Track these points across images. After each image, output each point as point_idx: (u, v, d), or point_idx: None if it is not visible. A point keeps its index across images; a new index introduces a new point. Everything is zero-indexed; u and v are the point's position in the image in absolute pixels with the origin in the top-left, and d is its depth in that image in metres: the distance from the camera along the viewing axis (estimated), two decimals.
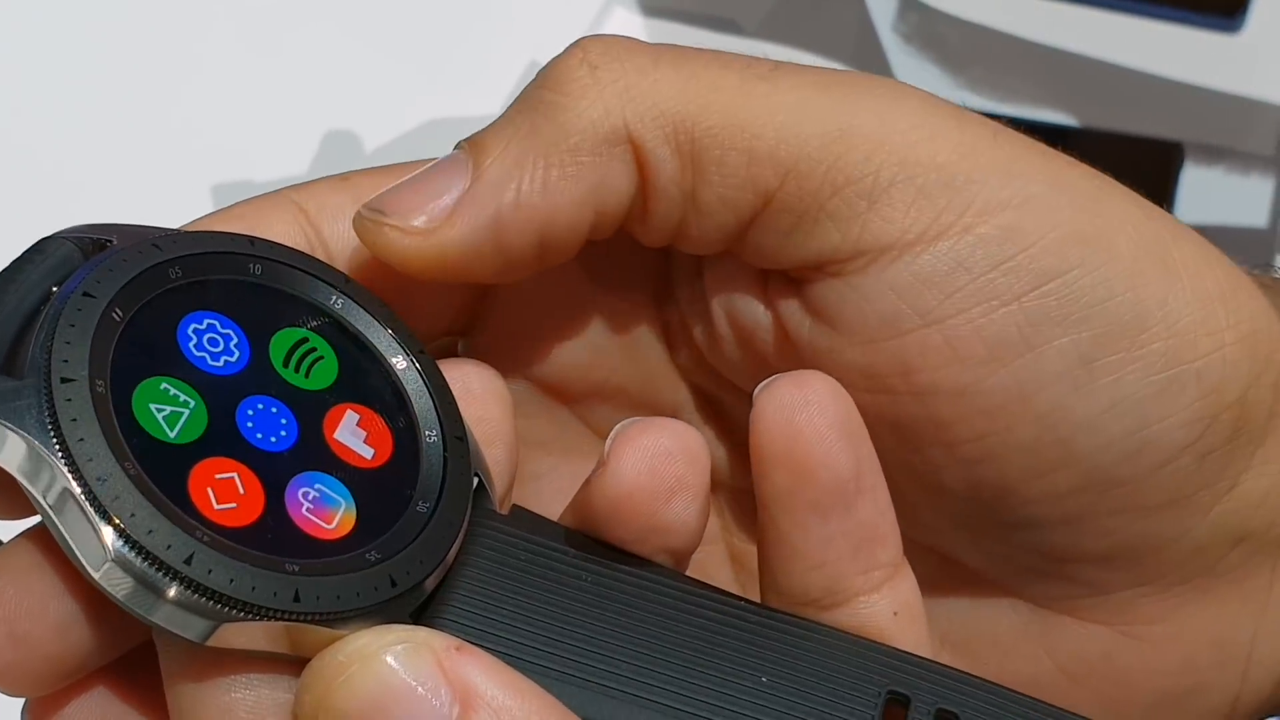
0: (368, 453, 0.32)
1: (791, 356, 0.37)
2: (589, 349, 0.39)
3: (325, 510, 0.31)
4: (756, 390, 0.33)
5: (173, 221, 0.35)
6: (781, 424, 0.33)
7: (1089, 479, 0.36)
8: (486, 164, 0.34)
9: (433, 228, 0.34)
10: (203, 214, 0.36)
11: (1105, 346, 0.35)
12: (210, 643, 0.30)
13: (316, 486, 0.31)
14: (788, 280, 0.36)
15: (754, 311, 0.37)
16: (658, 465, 0.33)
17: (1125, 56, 0.75)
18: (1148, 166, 0.75)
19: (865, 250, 0.35)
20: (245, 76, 0.70)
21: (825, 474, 0.33)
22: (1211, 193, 0.75)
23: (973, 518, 0.37)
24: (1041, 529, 0.37)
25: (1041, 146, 0.36)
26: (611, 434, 0.33)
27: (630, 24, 0.74)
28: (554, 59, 0.35)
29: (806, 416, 0.33)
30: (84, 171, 0.66)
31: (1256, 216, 0.75)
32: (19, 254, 0.32)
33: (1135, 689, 0.38)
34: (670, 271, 0.39)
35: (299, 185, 0.36)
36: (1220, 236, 0.38)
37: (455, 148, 0.35)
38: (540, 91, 0.35)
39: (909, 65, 0.77)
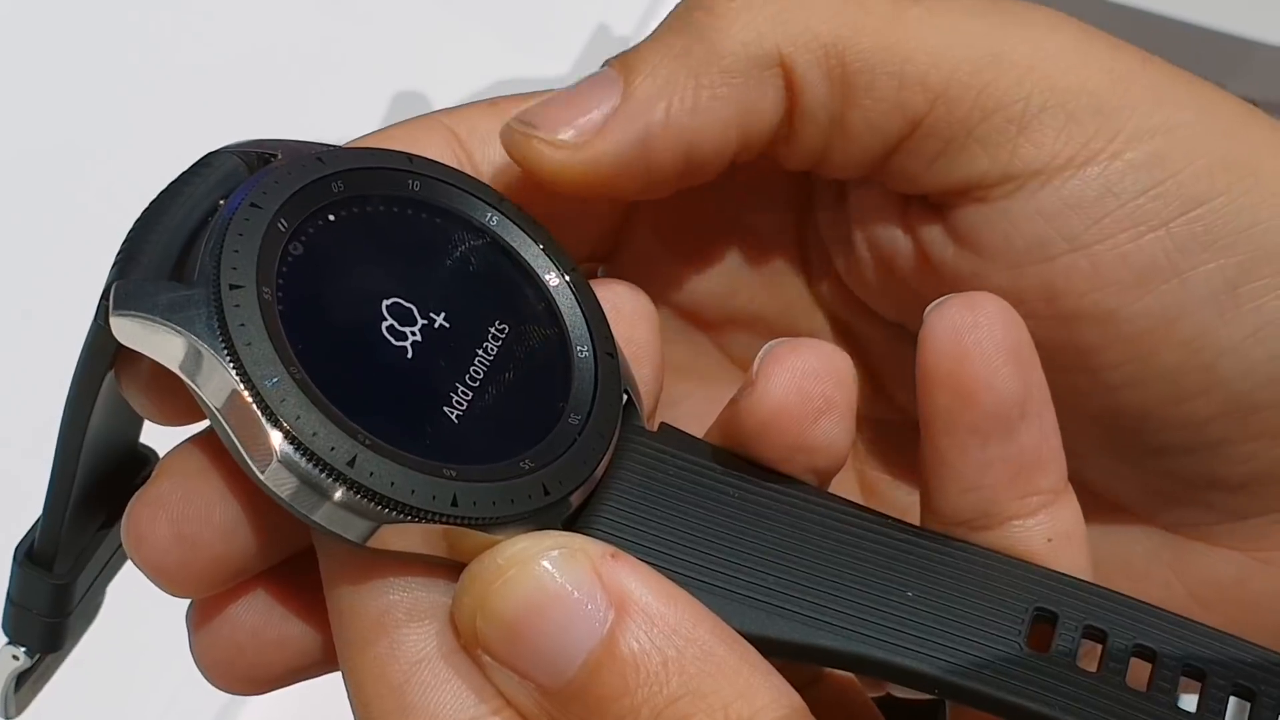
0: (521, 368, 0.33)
1: (934, 282, 0.37)
2: (728, 276, 0.39)
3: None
4: (928, 309, 0.34)
5: None
6: (949, 345, 0.33)
7: (1230, 405, 0.36)
8: (637, 82, 0.35)
9: (581, 142, 0.35)
10: None
11: (1250, 272, 0.35)
12: (370, 543, 0.30)
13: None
14: (930, 206, 0.37)
15: (895, 238, 0.38)
16: (806, 385, 0.33)
17: (1189, 12, 0.75)
18: None
19: (1014, 176, 0.35)
20: (316, 39, 0.71)
21: (988, 397, 0.33)
22: None
23: (1112, 444, 0.37)
24: (1180, 455, 0.37)
25: (1189, 75, 0.36)
26: (760, 354, 0.34)
27: None
28: None
29: (975, 339, 0.33)
30: (161, 137, 0.67)
31: None
32: (186, 167, 0.33)
33: (1266, 614, 0.38)
34: (812, 198, 0.39)
35: (451, 109, 0.37)
36: None
37: (604, 65, 0.36)
38: (692, 13, 0.35)
39: None
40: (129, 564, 0.38)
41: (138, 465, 0.37)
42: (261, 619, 0.34)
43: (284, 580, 0.34)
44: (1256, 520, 0.38)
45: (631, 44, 0.36)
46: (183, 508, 0.32)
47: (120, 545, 0.38)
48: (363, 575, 0.31)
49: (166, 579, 0.32)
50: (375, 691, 0.31)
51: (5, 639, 0.38)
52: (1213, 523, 0.38)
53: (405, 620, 0.31)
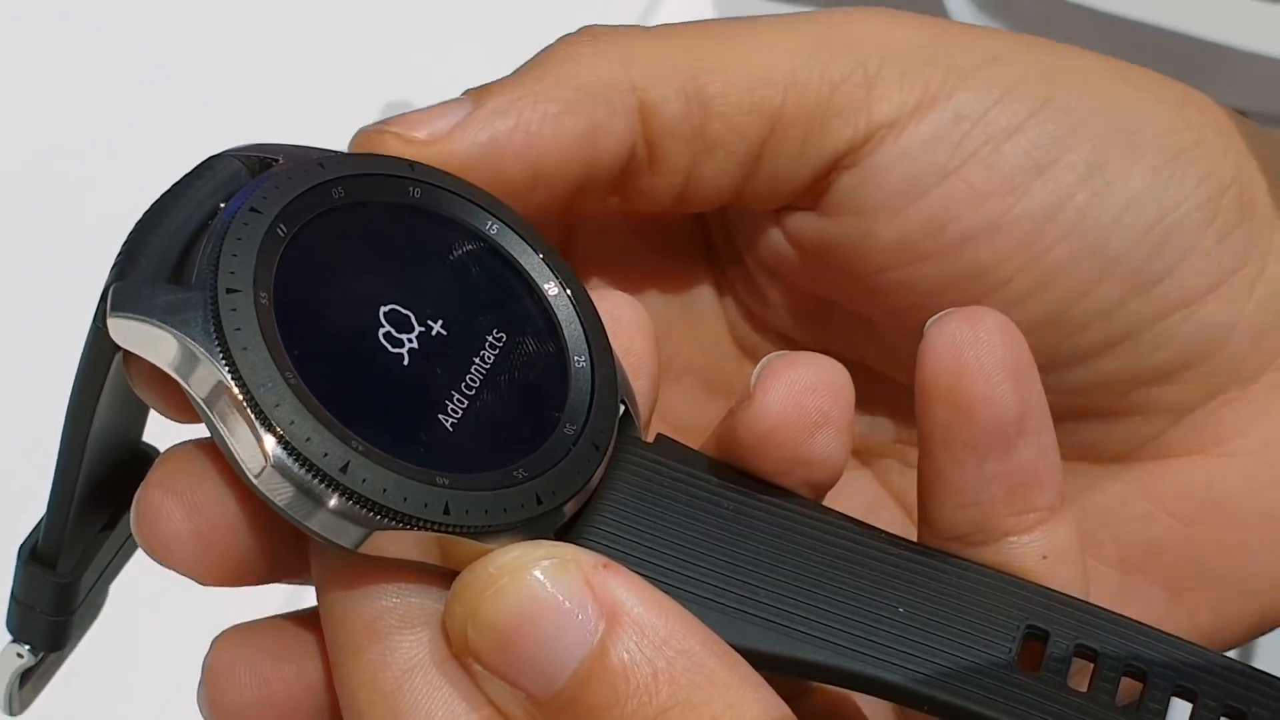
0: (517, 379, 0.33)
1: (834, 277, 0.39)
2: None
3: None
4: (928, 324, 0.34)
5: None
6: (948, 360, 0.33)
7: (1130, 283, 0.38)
8: (488, 100, 0.36)
9: (430, 139, 0.35)
10: None
11: (1106, 153, 0.38)
12: (362, 550, 0.30)
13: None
14: (802, 206, 0.39)
15: (783, 250, 0.40)
16: (803, 399, 0.33)
17: (1197, 27, 0.75)
18: None
19: (873, 133, 0.38)
20: (309, 47, 0.71)
21: (986, 413, 0.33)
22: None
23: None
24: (1100, 357, 0.38)
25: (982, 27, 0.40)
26: (758, 368, 0.34)
27: (697, 2, 0.75)
28: (560, 38, 0.38)
29: (974, 354, 0.33)
30: (160, 152, 0.67)
31: None
32: (188, 171, 0.33)
33: (1247, 514, 0.39)
34: (713, 251, 0.41)
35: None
36: None
37: (462, 94, 0.37)
38: (543, 59, 0.37)
39: None
40: (131, 562, 0.39)
41: (141, 464, 0.37)
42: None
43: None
44: (1199, 414, 0.39)
45: None
46: (191, 491, 0.32)
47: (124, 543, 0.38)
48: (355, 581, 0.31)
49: (179, 560, 0.32)
50: (367, 698, 0.31)
51: (9, 636, 0.38)
52: (1160, 432, 0.39)
53: (398, 627, 0.31)
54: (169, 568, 0.32)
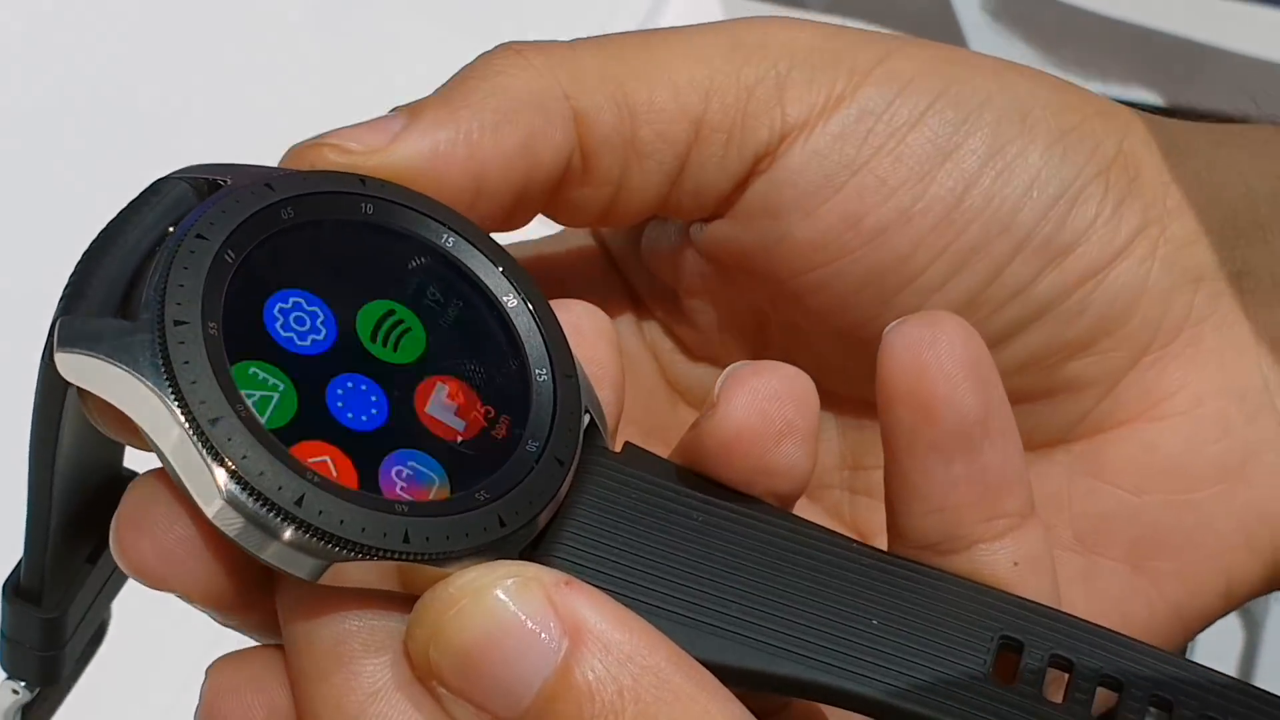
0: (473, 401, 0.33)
1: (756, 282, 0.40)
2: None
3: (419, 487, 0.31)
4: (887, 329, 0.34)
5: None
6: (908, 361, 0.33)
7: (1041, 256, 0.38)
8: (425, 113, 0.36)
9: (370, 150, 0.35)
10: None
11: (1004, 135, 0.39)
12: (322, 580, 0.30)
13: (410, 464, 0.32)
14: (717, 218, 0.39)
15: (700, 265, 0.40)
16: (767, 408, 0.33)
17: (1215, 35, 0.75)
18: None
19: (787, 133, 0.38)
20: (305, 52, 0.71)
21: (950, 413, 0.33)
22: None
23: None
24: (1022, 333, 0.39)
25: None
26: (722, 376, 0.33)
27: (702, 5, 0.75)
28: (481, 55, 0.38)
29: (934, 354, 0.33)
30: (157, 144, 0.68)
31: None
32: (136, 195, 0.33)
33: (1193, 474, 0.39)
34: (633, 290, 0.42)
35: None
36: None
37: (390, 111, 0.36)
38: (470, 74, 0.37)
39: (996, 44, 0.77)
40: (124, 590, 0.38)
41: (123, 490, 0.37)
42: None
43: None
44: (1127, 381, 0.39)
45: None
46: (160, 520, 0.31)
47: (112, 572, 0.38)
48: (317, 609, 0.31)
49: (166, 584, 0.32)
50: None
51: (4, 674, 0.38)
52: (1091, 407, 0.40)
53: (361, 652, 0.31)
54: (156, 589, 0.32)
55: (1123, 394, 0.40)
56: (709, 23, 0.40)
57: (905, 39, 0.40)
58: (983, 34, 0.77)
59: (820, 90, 0.38)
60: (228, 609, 0.32)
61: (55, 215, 0.63)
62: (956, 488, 0.33)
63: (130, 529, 0.31)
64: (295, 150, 0.35)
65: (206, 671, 0.33)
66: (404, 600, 0.31)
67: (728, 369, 0.34)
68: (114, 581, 0.38)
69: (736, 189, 0.39)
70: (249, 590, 0.32)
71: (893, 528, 0.34)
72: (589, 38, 0.39)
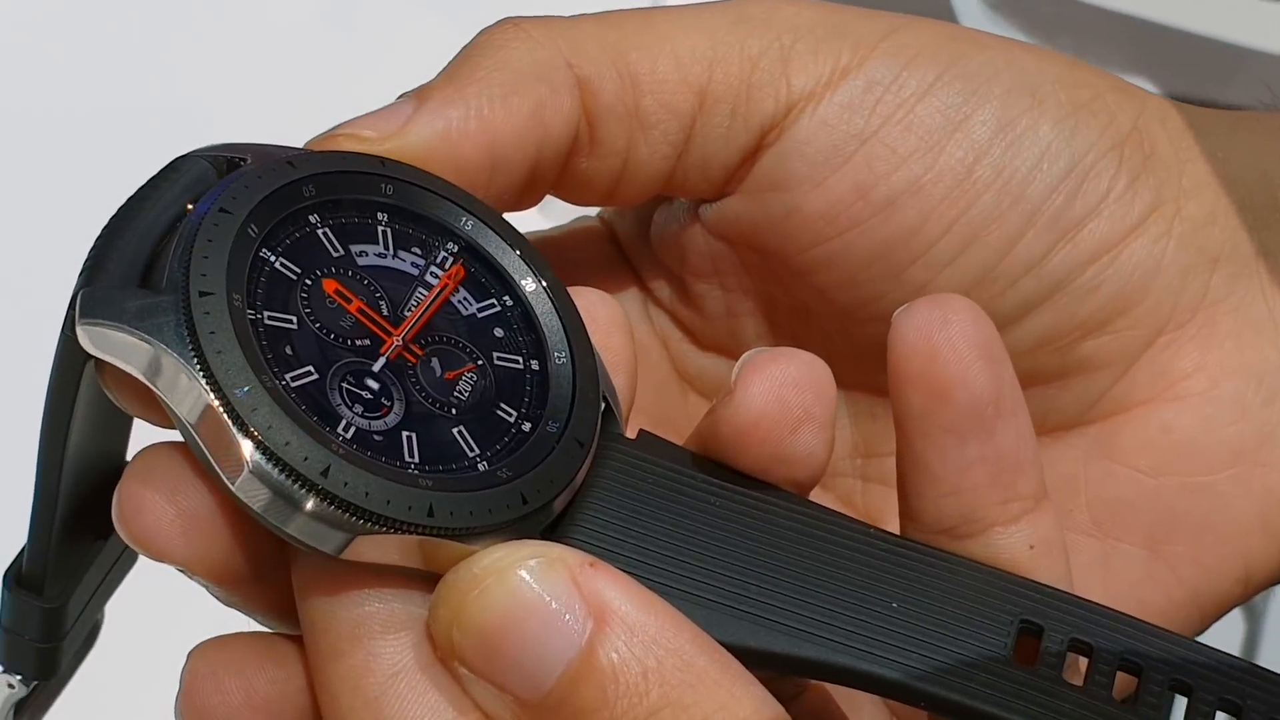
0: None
1: (765, 260, 0.39)
2: None
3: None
4: (896, 313, 0.34)
5: None
6: (919, 343, 0.33)
7: (1053, 231, 0.38)
8: (434, 94, 0.36)
9: (384, 136, 0.35)
10: None
11: (1013, 106, 0.38)
12: (344, 555, 0.30)
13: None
14: (725, 196, 0.39)
15: (710, 245, 0.40)
16: (785, 395, 0.33)
17: (1214, 28, 0.75)
18: None
19: (794, 104, 0.38)
20: (311, 48, 0.71)
21: (963, 394, 0.33)
22: None
23: None
24: (1036, 312, 0.39)
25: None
26: (739, 362, 0.33)
27: None
28: (480, 31, 0.38)
29: (945, 336, 0.33)
30: (171, 132, 0.67)
31: None
32: (155, 173, 0.32)
33: (1209, 455, 0.39)
34: (640, 276, 0.42)
35: None
36: None
37: (398, 97, 0.36)
38: (472, 51, 0.37)
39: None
40: (124, 585, 0.38)
41: None
42: None
43: None
44: (1142, 362, 0.39)
45: None
46: (170, 480, 0.31)
47: (114, 565, 0.37)
48: (337, 586, 0.31)
49: (167, 550, 0.31)
50: (350, 704, 0.30)
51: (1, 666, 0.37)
52: (1106, 388, 0.39)
53: (381, 632, 0.30)
54: (159, 560, 0.32)
55: (1138, 375, 0.39)
56: (712, 1, 0.40)
57: (910, 17, 0.40)
58: (980, 25, 0.77)
59: (826, 62, 0.38)
60: (232, 585, 0.32)
61: (63, 213, 0.62)
62: (972, 469, 0.33)
63: (135, 494, 0.31)
64: (310, 145, 0.35)
65: (188, 654, 0.33)
66: (423, 579, 0.31)
67: (745, 355, 0.33)
68: (114, 576, 0.38)
69: (744, 163, 0.38)
70: (256, 566, 0.32)
71: (907, 513, 0.34)
72: (591, 13, 0.39)
